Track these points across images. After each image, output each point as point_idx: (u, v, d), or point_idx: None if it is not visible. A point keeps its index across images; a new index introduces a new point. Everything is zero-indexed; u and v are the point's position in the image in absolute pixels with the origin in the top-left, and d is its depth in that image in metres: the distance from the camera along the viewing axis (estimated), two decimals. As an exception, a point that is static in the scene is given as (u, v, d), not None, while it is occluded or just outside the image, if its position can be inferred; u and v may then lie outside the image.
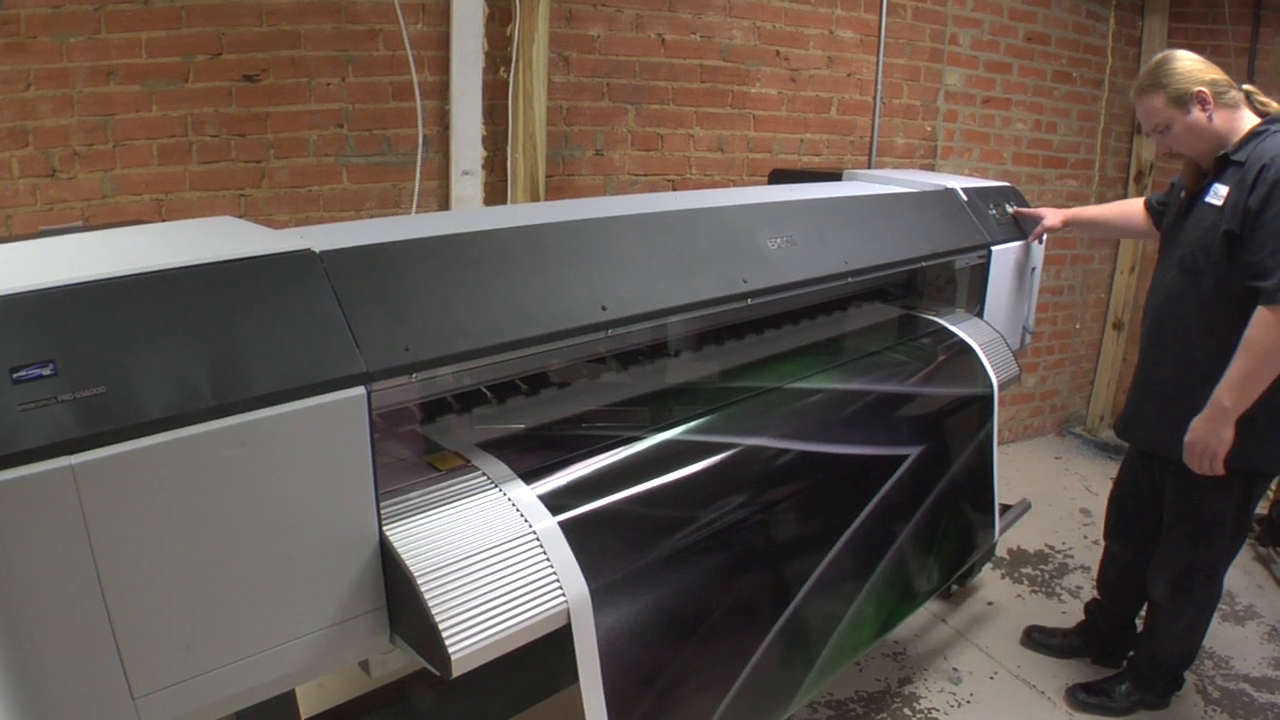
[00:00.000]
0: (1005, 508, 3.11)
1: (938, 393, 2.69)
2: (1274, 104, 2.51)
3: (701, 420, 2.05)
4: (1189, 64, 2.49)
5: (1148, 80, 2.53)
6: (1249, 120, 2.48)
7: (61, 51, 2.71)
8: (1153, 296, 2.74)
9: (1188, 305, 2.56)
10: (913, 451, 2.54)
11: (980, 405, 2.81)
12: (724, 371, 2.35)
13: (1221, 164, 2.49)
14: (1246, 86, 2.52)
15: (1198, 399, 2.47)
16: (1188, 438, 2.47)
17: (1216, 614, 3.49)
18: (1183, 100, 2.46)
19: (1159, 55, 2.55)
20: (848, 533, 2.32)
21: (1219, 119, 2.47)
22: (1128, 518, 3.00)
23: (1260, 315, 2.30)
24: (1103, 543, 3.14)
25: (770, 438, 2.13)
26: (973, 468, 2.81)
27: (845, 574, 2.32)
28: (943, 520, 2.69)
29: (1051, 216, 3.16)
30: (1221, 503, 2.61)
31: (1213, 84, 2.46)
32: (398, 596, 1.49)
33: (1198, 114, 2.46)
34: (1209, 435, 2.43)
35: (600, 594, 1.63)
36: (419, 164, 3.22)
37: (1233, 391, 2.36)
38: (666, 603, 1.80)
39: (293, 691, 1.65)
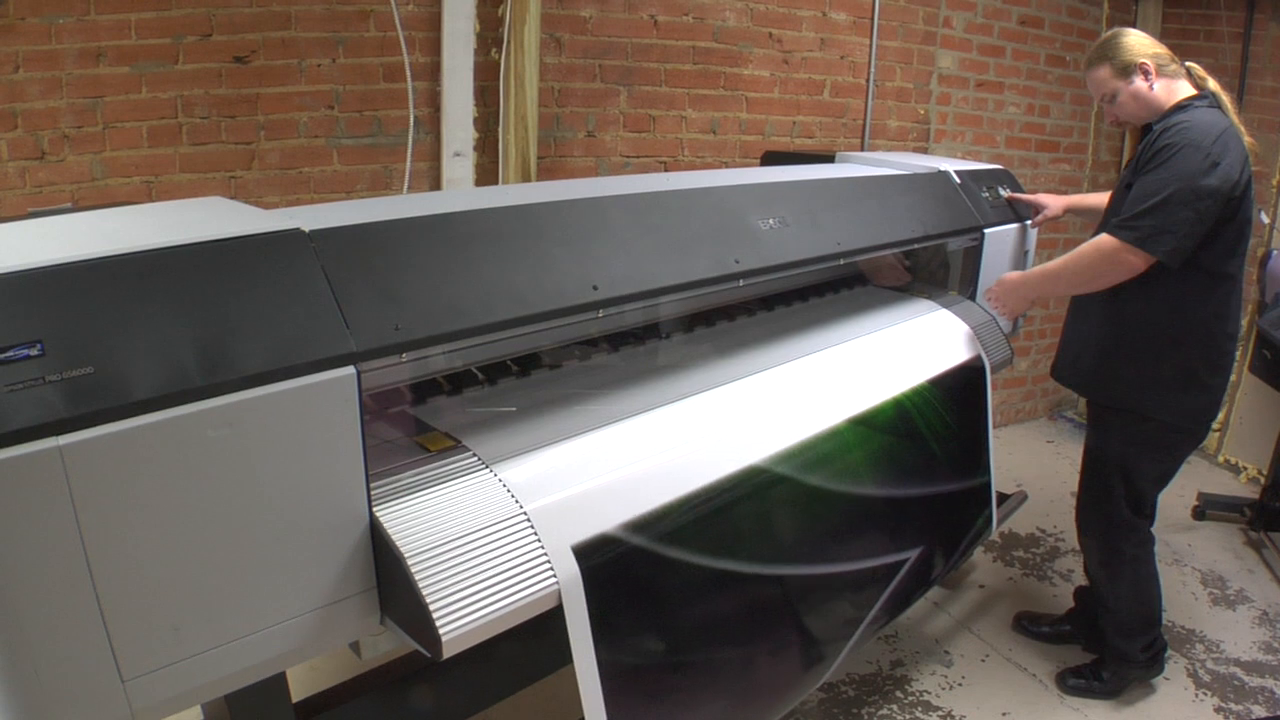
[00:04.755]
0: (1001, 496, 3.11)
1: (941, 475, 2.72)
2: (1211, 79, 2.65)
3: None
4: (1135, 39, 2.64)
5: (1096, 54, 2.69)
6: (1187, 93, 2.61)
7: (50, 33, 2.69)
8: None
9: None
10: (919, 545, 2.59)
11: (976, 392, 2.81)
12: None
13: (1146, 131, 2.62)
14: (1189, 63, 2.66)
15: (1128, 353, 2.62)
16: (994, 286, 2.86)
17: (1207, 597, 3.52)
18: (1127, 70, 2.62)
19: (1109, 32, 2.72)
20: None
21: (1159, 88, 2.61)
22: None
23: (1101, 239, 2.50)
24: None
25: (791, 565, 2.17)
26: (972, 460, 2.83)
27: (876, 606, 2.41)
28: (949, 522, 2.74)
29: (1053, 204, 3.19)
30: (1103, 438, 2.76)
31: (1155, 57, 2.61)
32: (388, 578, 1.48)
33: (1140, 82, 2.61)
34: (1006, 293, 2.83)
35: (592, 575, 1.63)
36: (410, 145, 3.21)
37: (1042, 279, 2.71)
38: (662, 586, 1.81)
39: (283, 674, 1.65)
